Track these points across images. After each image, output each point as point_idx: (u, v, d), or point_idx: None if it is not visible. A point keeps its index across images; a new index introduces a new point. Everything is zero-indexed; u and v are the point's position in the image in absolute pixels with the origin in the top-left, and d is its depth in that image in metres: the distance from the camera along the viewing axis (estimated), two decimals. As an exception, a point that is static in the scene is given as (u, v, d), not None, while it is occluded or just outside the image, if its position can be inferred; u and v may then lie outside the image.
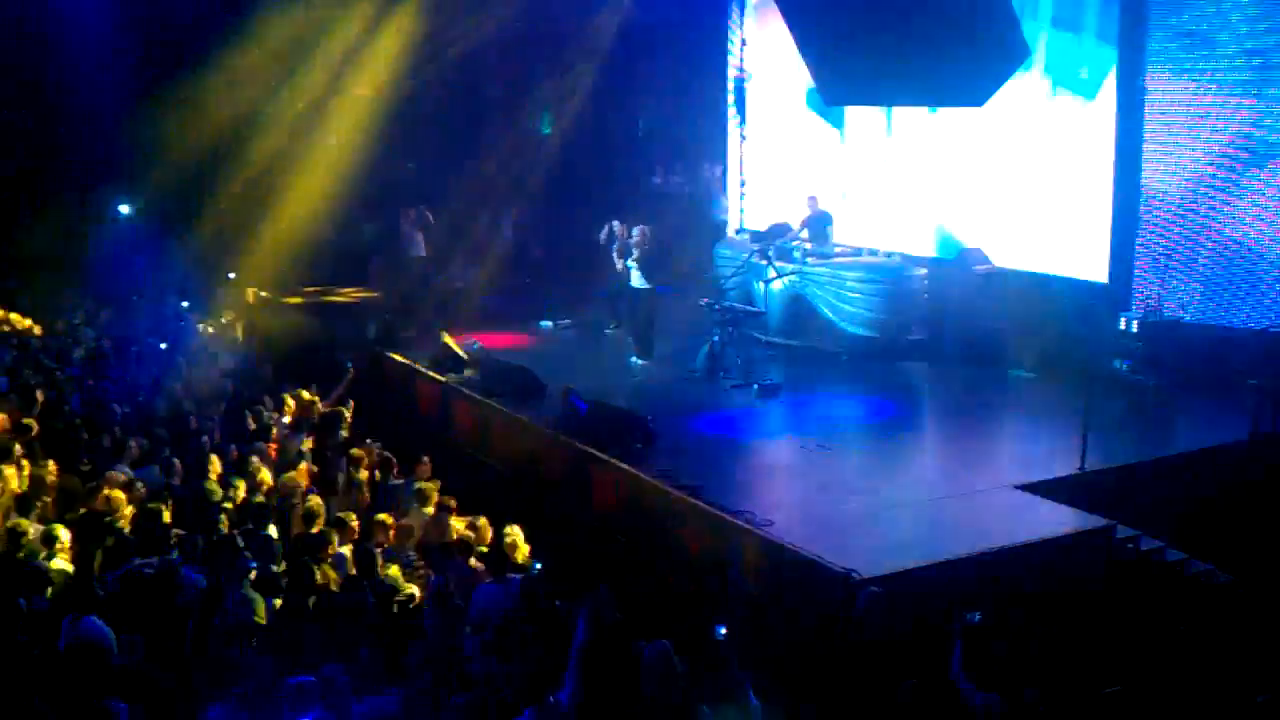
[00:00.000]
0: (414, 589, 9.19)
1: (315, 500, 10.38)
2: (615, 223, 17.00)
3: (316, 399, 14.03)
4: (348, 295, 20.71)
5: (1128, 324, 14.09)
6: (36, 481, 10.53)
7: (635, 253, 15.88)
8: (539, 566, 9.37)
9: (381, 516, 10.20)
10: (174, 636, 8.05)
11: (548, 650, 7.66)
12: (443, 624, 8.46)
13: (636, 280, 15.96)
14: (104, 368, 15.63)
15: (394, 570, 9.37)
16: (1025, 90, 14.74)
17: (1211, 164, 13.85)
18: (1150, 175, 14.38)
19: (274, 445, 12.53)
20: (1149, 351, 13.86)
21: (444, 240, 22.90)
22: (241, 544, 9.06)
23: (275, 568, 9.01)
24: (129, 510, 10.08)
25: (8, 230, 21.63)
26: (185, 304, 20.49)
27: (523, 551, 9.80)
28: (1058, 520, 10.11)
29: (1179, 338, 13.89)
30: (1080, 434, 10.98)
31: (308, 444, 12.48)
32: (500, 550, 9.56)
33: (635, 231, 16.08)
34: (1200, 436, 12.30)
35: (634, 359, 15.89)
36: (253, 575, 8.63)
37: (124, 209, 25.21)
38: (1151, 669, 8.02)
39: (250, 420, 13.17)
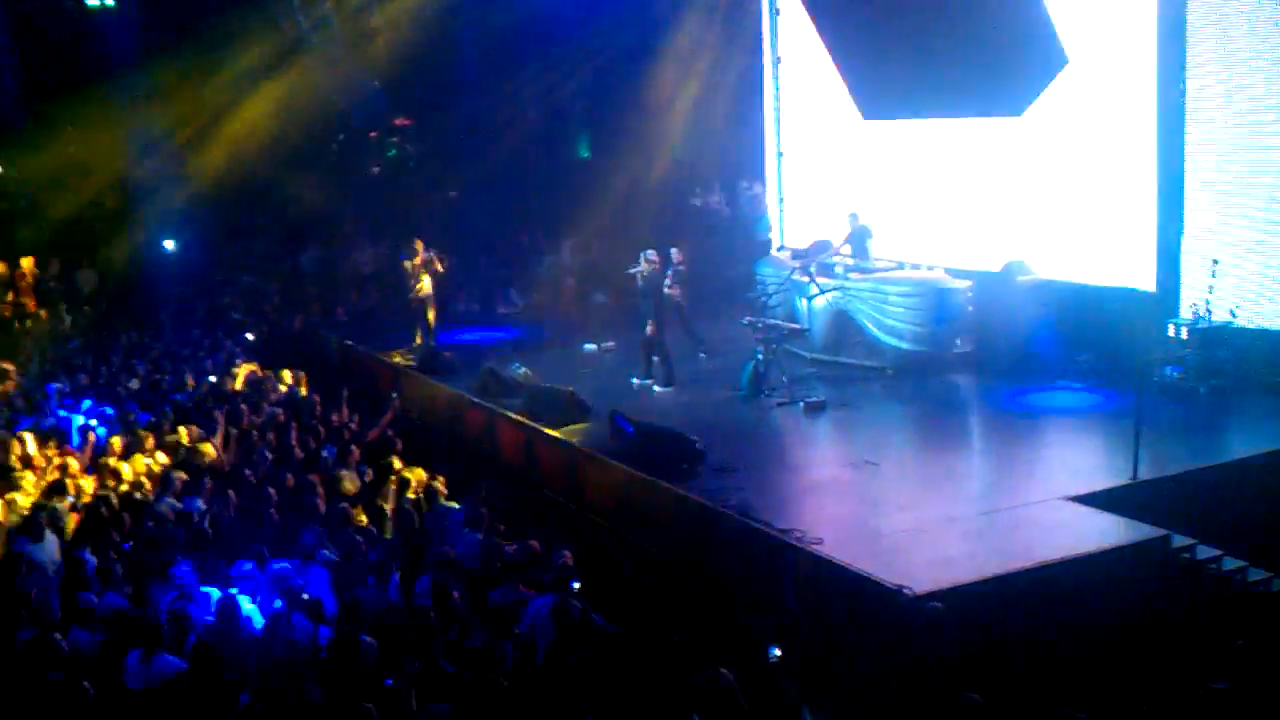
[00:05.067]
0: None
1: None
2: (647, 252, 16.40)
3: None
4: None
5: (1177, 331, 13.95)
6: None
7: (639, 281, 15.88)
8: (577, 585, 9.32)
9: None
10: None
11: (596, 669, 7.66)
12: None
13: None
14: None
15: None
16: (1065, 96, 14.65)
17: (1257, 165, 13.70)
18: (1194, 179, 14.24)
19: (317, 475, 12.61)
20: (1199, 358, 13.72)
21: (488, 269, 23.12)
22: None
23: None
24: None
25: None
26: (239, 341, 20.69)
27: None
28: (1112, 531, 10.02)
29: (1230, 343, 13.73)
30: (1132, 444, 10.86)
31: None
32: (560, 572, 9.49)
33: (640, 259, 16.02)
34: (1254, 443, 12.14)
35: (641, 383, 15.85)
36: None
37: (169, 244, 25.58)
38: (1210, 679, 7.91)
39: (298, 450, 13.29)
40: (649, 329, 15.72)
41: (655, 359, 15.78)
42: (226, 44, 22.63)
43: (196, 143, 23.35)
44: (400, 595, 9.36)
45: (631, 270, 15.86)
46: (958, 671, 7.80)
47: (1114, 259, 14.94)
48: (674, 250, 16.87)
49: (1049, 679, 8.44)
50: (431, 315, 19.02)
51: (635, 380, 15.84)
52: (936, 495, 11.41)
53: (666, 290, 16.44)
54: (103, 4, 23.27)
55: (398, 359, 18.44)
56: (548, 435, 13.92)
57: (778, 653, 7.62)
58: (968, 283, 15.95)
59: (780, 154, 20.84)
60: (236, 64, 22.80)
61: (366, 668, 7.83)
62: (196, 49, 22.59)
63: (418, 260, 19.04)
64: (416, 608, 8.79)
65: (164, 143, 23.57)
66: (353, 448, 13.17)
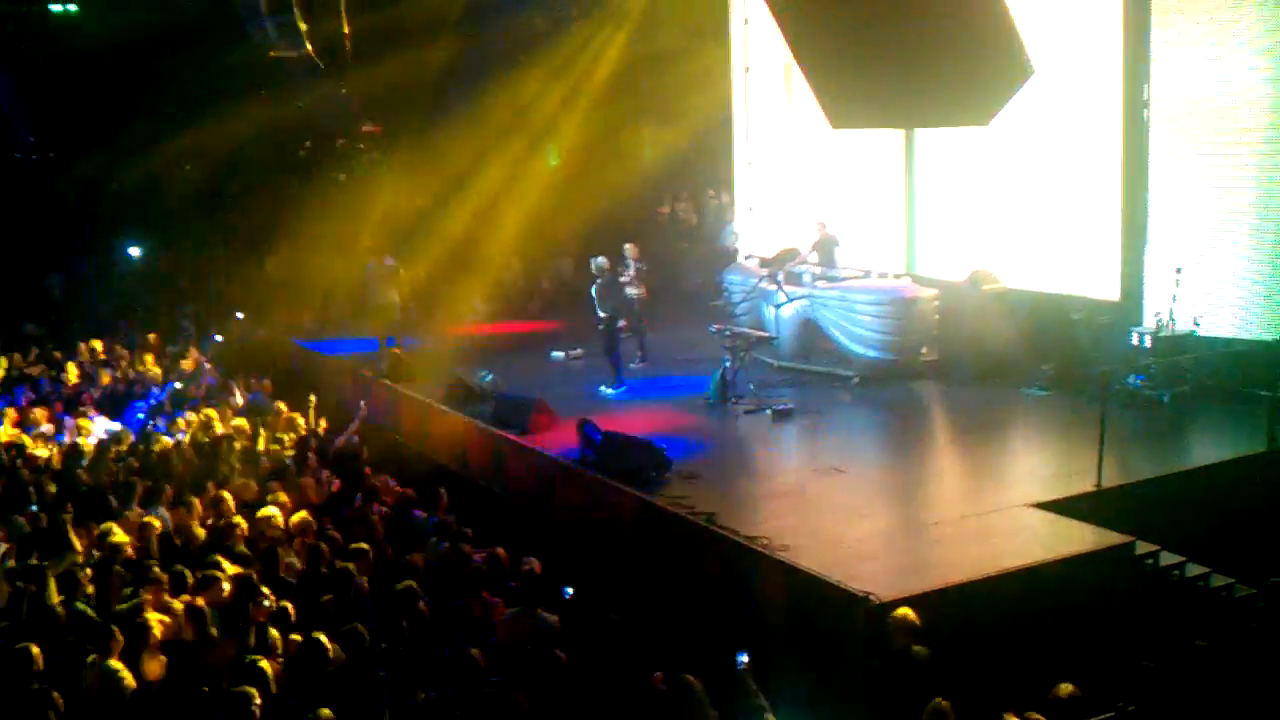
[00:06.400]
0: None
1: None
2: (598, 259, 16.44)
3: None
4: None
5: (1140, 339, 14.04)
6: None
7: (593, 285, 15.97)
8: (570, 591, 9.30)
9: None
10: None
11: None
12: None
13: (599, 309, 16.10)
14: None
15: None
16: (1030, 107, 14.74)
17: (1220, 175, 13.83)
18: (1158, 189, 14.36)
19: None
20: (1163, 366, 13.82)
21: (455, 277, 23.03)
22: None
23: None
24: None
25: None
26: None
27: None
28: (1076, 538, 10.05)
29: (1193, 352, 13.84)
30: (1096, 451, 10.94)
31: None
32: (530, 581, 9.48)
33: (592, 264, 16.06)
34: (1217, 450, 12.27)
35: (602, 388, 15.87)
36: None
37: (134, 251, 25.41)
38: (1173, 684, 7.97)
39: (266, 459, 13.24)
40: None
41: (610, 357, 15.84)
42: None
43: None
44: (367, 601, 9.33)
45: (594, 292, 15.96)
46: (923, 679, 7.82)
47: (1078, 268, 15.06)
48: (628, 247, 16.84)
49: (1014, 686, 8.47)
50: (399, 323, 18.97)
51: (604, 389, 15.83)
52: (902, 502, 11.45)
53: (630, 289, 16.45)
54: (65, 10, 23.15)
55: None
56: (516, 445, 13.88)
57: (745, 659, 7.61)
58: (934, 291, 16.02)
59: (749, 163, 20.90)
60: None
61: (332, 672, 7.80)
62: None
63: (384, 268, 19.03)
64: (385, 614, 8.78)
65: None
66: (310, 455, 13.16)
